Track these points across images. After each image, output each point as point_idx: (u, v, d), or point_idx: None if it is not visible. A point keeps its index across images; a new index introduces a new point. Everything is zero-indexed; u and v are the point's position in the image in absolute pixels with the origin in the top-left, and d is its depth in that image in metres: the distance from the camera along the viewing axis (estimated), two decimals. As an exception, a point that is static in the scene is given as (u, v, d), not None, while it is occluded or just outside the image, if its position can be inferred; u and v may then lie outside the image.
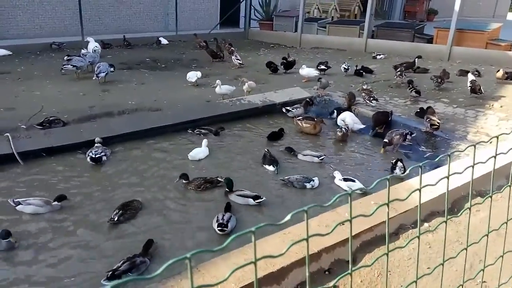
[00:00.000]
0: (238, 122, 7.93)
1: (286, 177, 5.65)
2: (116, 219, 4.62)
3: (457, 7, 12.76)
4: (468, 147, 1.67)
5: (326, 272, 3.32)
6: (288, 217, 1.15)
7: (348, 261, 3.44)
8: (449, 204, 4.41)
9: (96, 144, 6.25)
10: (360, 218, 3.47)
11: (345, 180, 5.64)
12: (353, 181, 5.61)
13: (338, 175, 5.74)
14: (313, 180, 5.57)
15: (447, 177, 1.60)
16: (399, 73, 9.75)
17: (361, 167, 6.38)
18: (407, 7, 27.85)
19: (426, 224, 4.04)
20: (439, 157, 1.60)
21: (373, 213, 1.42)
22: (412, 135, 6.70)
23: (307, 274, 1.17)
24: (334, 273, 3.32)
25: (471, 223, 3.98)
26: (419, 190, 1.50)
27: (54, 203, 4.83)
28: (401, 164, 5.87)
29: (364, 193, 5.37)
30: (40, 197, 4.98)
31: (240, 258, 3.15)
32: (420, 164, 1.51)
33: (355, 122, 7.48)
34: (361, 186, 5.50)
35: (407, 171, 1.56)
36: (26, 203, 4.75)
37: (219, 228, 4.54)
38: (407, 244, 1.53)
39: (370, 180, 5.96)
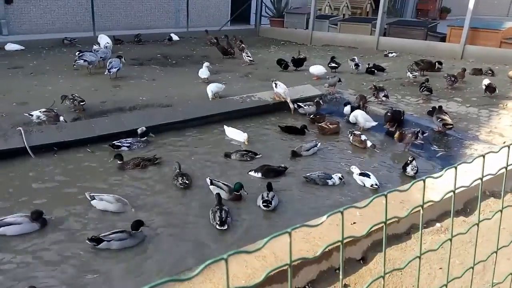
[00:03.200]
0: (248, 119, 7.92)
1: (308, 174, 5.66)
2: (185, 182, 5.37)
3: (471, 5, 12.59)
4: (502, 147, 1.62)
5: (337, 271, 3.30)
6: (324, 218, 1.13)
7: (359, 260, 3.42)
8: (461, 205, 4.35)
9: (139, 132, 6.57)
10: (371, 217, 3.42)
11: (361, 175, 5.74)
12: (368, 176, 5.68)
13: (356, 170, 5.84)
14: (333, 178, 5.64)
15: (481, 179, 1.56)
16: (413, 72, 9.66)
17: (371, 165, 6.32)
18: (419, 5, 27.53)
19: (438, 224, 3.99)
20: (474, 158, 1.56)
21: (407, 215, 1.40)
22: (424, 134, 6.63)
23: (340, 277, 1.15)
24: (345, 272, 3.30)
25: (484, 223, 3.93)
26: (453, 192, 1.47)
27: (125, 201, 4.86)
28: (415, 163, 5.82)
29: (376, 189, 5.53)
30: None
31: (251, 256, 3.13)
32: (455, 165, 1.47)
33: (367, 120, 7.43)
34: (374, 182, 5.60)
35: (443, 172, 1.52)
36: (99, 198, 4.80)
37: (264, 204, 4.93)
38: (439, 247, 1.50)
39: (380, 179, 5.93)
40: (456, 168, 1.46)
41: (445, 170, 1.51)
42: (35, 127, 6.42)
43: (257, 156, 6.28)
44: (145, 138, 6.61)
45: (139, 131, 6.58)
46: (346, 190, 5.58)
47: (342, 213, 1.13)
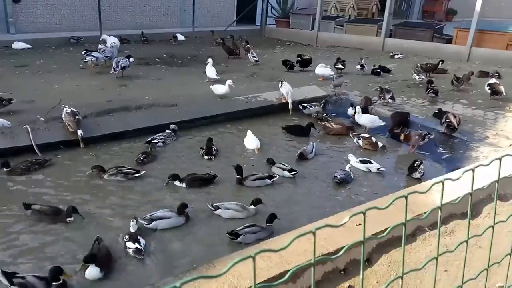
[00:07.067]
0: (254, 119, 7.93)
1: (337, 175, 5.65)
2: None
3: (478, 7, 12.54)
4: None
5: (342, 272, 3.30)
6: (346, 219, 1.14)
7: (365, 261, 3.42)
8: (467, 207, 4.34)
9: (167, 130, 6.80)
10: (375, 218, 3.41)
11: (362, 162, 6.00)
12: (370, 162, 5.97)
13: (352, 158, 6.13)
14: (352, 173, 5.85)
15: (497, 181, 1.57)
16: (419, 74, 9.65)
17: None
18: (425, 6, 27.45)
19: (443, 227, 3.98)
20: (491, 161, 1.56)
21: (426, 216, 1.40)
22: (430, 137, 6.61)
23: (361, 277, 1.16)
24: (349, 273, 3.30)
25: (488, 225, 3.91)
26: (470, 194, 1.47)
27: (250, 207, 4.90)
28: (422, 166, 5.79)
29: (380, 173, 5.94)
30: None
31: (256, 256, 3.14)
32: (473, 167, 1.48)
33: (374, 121, 7.39)
34: (378, 166, 5.93)
35: (461, 174, 1.52)
36: (224, 208, 4.82)
37: (292, 174, 5.68)
38: (455, 248, 1.50)
39: (386, 180, 5.92)
40: (473, 170, 1.46)
41: (463, 172, 1.51)
42: (42, 125, 6.46)
43: (136, 175, 5.57)
44: (174, 133, 6.88)
45: (171, 127, 6.87)
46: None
47: (364, 214, 1.14)
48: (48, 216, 4.53)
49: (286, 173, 5.74)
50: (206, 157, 6.21)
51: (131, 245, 4.13)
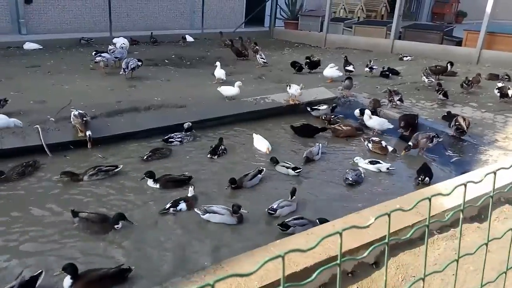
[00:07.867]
0: (263, 121, 7.95)
1: (349, 177, 5.66)
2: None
3: (488, 9, 12.45)
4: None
5: (349, 275, 3.30)
6: (372, 220, 1.15)
7: (372, 264, 3.42)
8: (476, 211, 4.31)
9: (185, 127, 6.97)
10: (384, 221, 3.43)
11: (372, 163, 6.05)
12: (379, 162, 6.04)
13: (360, 161, 6.17)
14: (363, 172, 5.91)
15: None
16: (429, 77, 9.61)
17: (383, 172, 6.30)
18: (435, 8, 27.29)
19: (451, 230, 3.96)
20: None
21: (448, 219, 1.41)
22: (439, 139, 6.56)
23: (385, 278, 1.17)
24: (357, 276, 3.30)
25: (498, 230, 3.88)
26: (491, 197, 1.48)
27: (293, 198, 5.12)
28: (427, 179, 5.67)
29: (389, 173, 6.00)
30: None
31: (263, 257, 3.14)
32: (495, 170, 1.48)
33: (383, 124, 7.36)
34: (388, 165, 6.01)
35: (483, 177, 1.53)
36: (279, 207, 4.94)
37: (296, 172, 5.78)
38: (475, 251, 1.51)
39: (394, 183, 5.90)
40: (495, 173, 1.46)
41: (485, 175, 1.51)
42: (52, 125, 6.53)
43: (115, 170, 5.68)
44: (190, 132, 6.96)
45: (185, 126, 6.95)
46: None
47: (389, 215, 1.15)
48: (95, 224, 4.41)
49: (291, 171, 5.78)
50: (208, 155, 6.31)
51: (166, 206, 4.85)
